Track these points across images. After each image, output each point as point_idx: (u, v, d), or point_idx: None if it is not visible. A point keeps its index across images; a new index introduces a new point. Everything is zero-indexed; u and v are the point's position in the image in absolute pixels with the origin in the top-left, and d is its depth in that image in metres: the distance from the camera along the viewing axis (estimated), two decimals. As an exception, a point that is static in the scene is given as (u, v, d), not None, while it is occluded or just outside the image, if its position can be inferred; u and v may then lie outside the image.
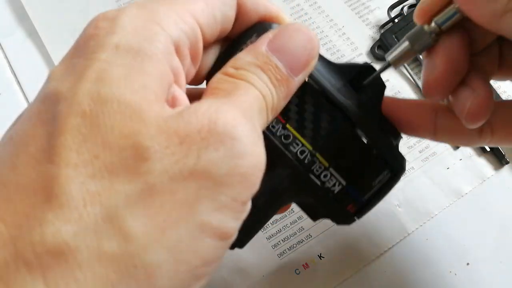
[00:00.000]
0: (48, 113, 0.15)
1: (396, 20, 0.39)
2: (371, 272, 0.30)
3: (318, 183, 0.22)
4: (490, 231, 0.32)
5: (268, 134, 0.21)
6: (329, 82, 0.21)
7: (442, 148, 0.35)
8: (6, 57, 0.38)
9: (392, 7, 0.41)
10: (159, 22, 0.16)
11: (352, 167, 0.22)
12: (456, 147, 0.35)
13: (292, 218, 0.32)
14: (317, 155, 0.21)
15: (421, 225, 0.32)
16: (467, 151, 0.35)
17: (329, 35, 0.40)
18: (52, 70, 0.16)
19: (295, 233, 0.31)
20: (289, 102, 0.19)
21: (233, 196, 0.15)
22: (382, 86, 0.22)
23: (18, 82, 0.36)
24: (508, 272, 0.31)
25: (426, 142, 0.35)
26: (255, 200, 0.21)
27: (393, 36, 0.38)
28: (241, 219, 0.16)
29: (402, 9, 0.40)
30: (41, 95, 0.16)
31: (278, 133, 0.21)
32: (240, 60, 0.18)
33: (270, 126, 0.21)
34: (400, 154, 0.22)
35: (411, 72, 0.38)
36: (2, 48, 0.38)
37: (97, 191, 0.13)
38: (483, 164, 0.35)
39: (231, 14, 0.19)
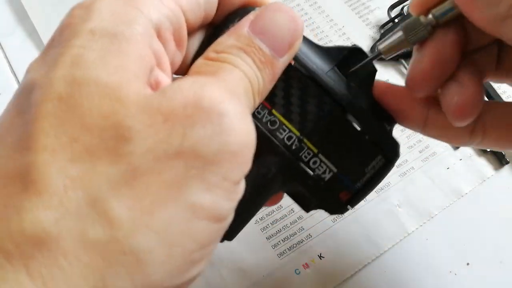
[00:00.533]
0: (24, 102, 0.14)
1: (396, 20, 0.39)
2: (371, 272, 0.30)
3: (307, 170, 0.21)
4: (490, 231, 0.32)
5: (254, 120, 0.20)
6: (316, 65, 0.20)
7: (442, 148, 0.35)
8: (6, 57, 0.38)
9: (392, 7, 0.41)
10: (138, 7, 0.16)
11: (342, 153, 0.21)
12: (456, 147, 0.35)
13: (292, 218, 0.32)
14: (305, 140, 0.20)
15: (421, 225, 0.32)
16: (467, 151, 0.35)
17: (329, 35, 0.40)
18: (30, 63, 0.16)
19: (295, 233, 0.31)
20: (275, 87, 0.19)
21: (224, 175, 0.14)
22: (373, 71, 0.22)
23: (18, 82, 0.37)
24: (508, 272, 0.31)
25: (426, 142, 0.35)
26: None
27: (393, 36, 0.38)
28: (235, 200, 0.16)
29: (402, 9, 0.40)
30: (19, 88, 0.15)
31: (264, 119, 0.21)
32: (222, 44, 0.17)
33: (256, 112, 0.21)
34: (393, 139, 0.22)
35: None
36: (2, 48, 0.38)
37: (78, 175, 0.13)
38: (483, 164, 0.35)
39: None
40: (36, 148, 0.13)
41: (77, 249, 0.12)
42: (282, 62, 0.18)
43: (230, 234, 0.22)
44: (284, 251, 0.31)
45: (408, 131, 0.35)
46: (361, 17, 0.41)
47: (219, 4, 0.20)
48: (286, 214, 0.32)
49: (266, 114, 0.21)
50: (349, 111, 0.20)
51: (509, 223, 0.32)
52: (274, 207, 0.32)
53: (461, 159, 0.35)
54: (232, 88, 0.16)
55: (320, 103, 0.20)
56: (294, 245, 0.31)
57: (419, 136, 0.35)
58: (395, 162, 0.22)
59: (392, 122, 0.22)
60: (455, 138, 0.22)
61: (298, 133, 0.20)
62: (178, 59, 0.18)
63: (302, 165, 0.21)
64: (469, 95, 0.20)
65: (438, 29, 0.20)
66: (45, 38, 0.37)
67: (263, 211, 0.32)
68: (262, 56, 0.17)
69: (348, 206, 0.22)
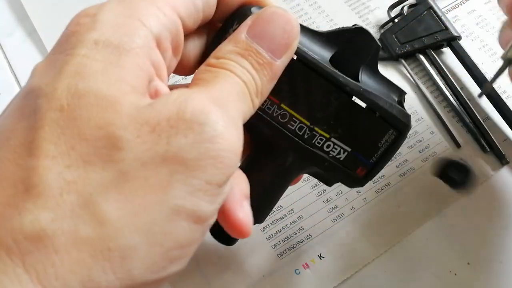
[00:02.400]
0: (29, 108, 0.15)
1: (396, 20, 0.39)
2: (372, 272, 0.30)
3: (322, 154, 0.22)
4: (491, 231, 0.32)
5: (265, 116, 0.22)
6: (317, 55, 0.21)
7: (442, 148, 0.35)
8: (6, 57, 0.38)
9: (392, 7, 0.40)
10: (140, 18, 0.17)
11: (354, 133, 0.22)
12: (456, 147, 0.35)
13: (292, 218, 0.32)
14: (316, 128, 0.22)
15: (421, 225, 0.32)
16: (467, 151, 0.35)
17: (329, 35, 0.40)
18: (35, 66, 0.17)
19: (295, 233, 0.31)
20: (280, 82, 0.20)
21: (206, 179, 0.15)
22: (377, 47, 0.22)
23: (18, 82, 0.36)
24: (508, 272, 0.31)
25: (426, 142, 0.35)
26: (262, 180, 0.23)
27: (393, 36, 0.38)
28: (218, 202, 0.16)
29: (402, 9, 0.40)
30: (24, 91, 0.16)
31: (274, 114, 0.22)
32: (221, 50, 0.18)
33: (266, 108, 0.22)
34: (403, 111, 0.22)
35: (418, 82, 0.38)
36: (2, 48, 0.38)
37: (73, 179, 0.14)
38: (483, 164, 0.35)
39: (212, 1, 0.20)
40: (38, 154, 0.14)
41: (68, 246, 0.14)
42: (281, 62, 0.19)
43: (259, 218, 0.26)
44: (284, 251, 0.31)
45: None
46: (361, 17, 0.41)
47: (218, 4, 0.20)
48: (286, 214, 0.32)
49: (275, 108, 0.22)
50: (355, 95, 0.21)
51: (509, 223, 0.32)
52: (274, 207, 0.32)
53: (461, 159, 0.35)
54: (220, 96, 0.17)
55: (324, 92, 0.21)
56: (294, 245, 0.31)
57: (419, 136, 0.35)
58: (407, 134, 0.23)
59: (402, 93, 0.23)
60: None
61: (308, 123, 0.22)
62: (174, 64, 0.19)
63: (316, 150, 0.22)
64: None
65: None
66: (45, 38, 0.37)
67: (263, 211, 0.32)
68: (260, 58, 0.18)
69: (366, 180, 0.23)
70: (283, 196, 0.32)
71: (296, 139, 0.22)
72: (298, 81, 0.21)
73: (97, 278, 0.14)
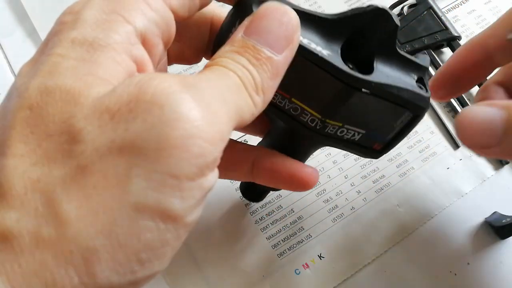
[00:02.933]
0: (5, 108, 0.15)
1: (396, 20, 0.39)
2: (372, 272, 0.30)
3: (336, 138, 0.22)
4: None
5: (277, 110, 0.22)
6: (326, 47, 0.20)
7: (442, 148, 0.35)
8: (6, 57, 0.38)
9: (392, 7, 0.40)
10: (123, 14, 0.16)
11: (367, 119, 0.22)
12: (456, 147, 0.35)
13: (292, 218, 0.32)
14: (327, 120, 0.21)
15: (421, 225, 0.32)
16: (467, 151, 0.35)
17: (329, 35, 0.40)
18: (20, 67, 0.17)
19: (295, 233, 0.31)
20: (289, 77, 0.19)
21: (169, 171, 0.14)
22: (395, 27, 0.20)
23: (18, 82, 0.36)
24: (508, 272, 0.31)
25: (426, 142, 0.35)
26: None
27: (393, 36, 0.38)
28: (195, 198, 0.15)
29: (402, 9, 0.40)
30: (7, 92, 0.16)
31: (286, 107, 0.22)
32: (219, 52, 0.18)
33: (277, 102, 0.22)
34: (419, 94, 0.21)
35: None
36: (2, 48, 0.38)
37: (37, 178, 0.14)
38: (483, 164, 0.35)
39: None
40: (8, 154, 0.14)
41: (32, 247, 0.13)
42: (283, 58, 0.18)
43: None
44: (284, 251, 0.31)
45: (408, 131, 0.35)
46: (361, 17, 0.41)
47: None
48: (286, 214, 0.32)
49: (287, 102, 0.21)
50: (364, 87, 0.20)
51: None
52: (274, 207, 0.32)
53: (461, 159, 0.35)
54: (196, 82, 0.15)
55: (333, 88, 0.20)
56: (294, 245, 0.31)
57: (419, 136, 0.35)
58: (423, 115, 0.22)
59: (422, 68, 0.22)
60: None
61: (319, 116, 0.21)
62: (164, 57, 0.19)
63: (331, 137, 0.22)
64: None
65: None
66: (45, 38, 0.37)
67: (263, 211, 0.32)
68: (257, 54, 0.17)
69: (382, 154, 0.24)
70: (283, 196, 0.32)
71: (310, 130, 0.22)
72: (306, 77, 0.20)
73: (61, 282, 0.13)
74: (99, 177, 0.14)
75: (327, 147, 0.34)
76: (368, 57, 0.20)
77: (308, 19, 0.19)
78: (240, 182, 0.31)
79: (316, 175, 0.24)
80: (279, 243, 0.31)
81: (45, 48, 0.16)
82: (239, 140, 0.34)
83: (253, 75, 0.17)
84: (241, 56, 0.17)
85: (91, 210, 0.14)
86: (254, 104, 0.17)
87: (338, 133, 0.22)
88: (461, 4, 0.42)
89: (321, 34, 0.20)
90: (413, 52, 0.38)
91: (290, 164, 0.24)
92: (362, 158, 0.34)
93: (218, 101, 0.15)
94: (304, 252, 0.31)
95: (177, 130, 0.14)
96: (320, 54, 0.19)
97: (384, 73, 0.20)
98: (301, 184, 0.24)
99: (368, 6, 0.19)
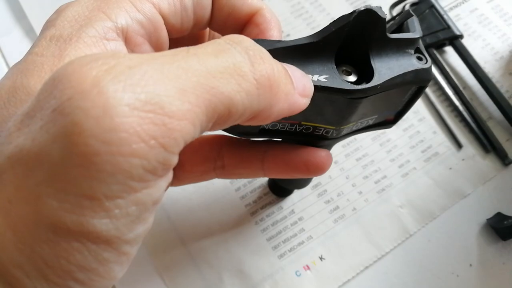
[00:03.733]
0: None
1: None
2: (373, 273, 0.30)
3: (352, 132, 0.23)
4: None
5: (289, 135, 0.22)
6: (322, 71, 0.19)
7: (444, 148, 0.35)
8: (3, 56, 0.37)
9: (394, 6, 0.40)
10: (105, 11, 0.17)
11: (377, 107, 0.22)
12: (459, 147, 0.35)
13: (292, 219, 0.31)
14: (341, 127, 0.22)
15: (423, 226, 0.32)
16: (470, 152, 0.35)
17: (330, 33, 0.40)
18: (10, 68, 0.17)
19: (295, 235, 0.31)
20: None
21: (81, 192, 0.12)
22: (384, 21, 0.19)
23: (16, 82, 0.36)
24: (510, 273, 0.31)
25: (428, 142, 0.35)
26: None
27: (395, 34, 0.38)
28: (129, 215, 0.13)
29: (403, 7, 0.40)
30: None
31: (298, 130, 0.22)
32: None
33: (287, 129, 0.22)
34: (420, 71, 0.21)
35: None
36: (-1, 47, 0.38)
37: None
38: (486, 165, 0.34)
39: (206, 2, 0.19)
40: None
41: None
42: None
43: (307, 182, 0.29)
44: (285, 253, 0.30)
45: (411, 131, 0.35)
46: (362, 16, 0.41)
47: (213, 8, 0.20)
48: (287, 215, 0.32)
49: (297, 127, 0.22)
50: (370, 93, 0.20)
51: None
52: (274, 209, 0.32)
53: (463, 160, 0.34)
54: (142, 61, 0.13)
55: (340, 104, 0.20)
56: (295, 247, 0.31)
57: (421, 136, 0.35)
58: (427, 84, 0.22)
59: (416, 41, 0.21)
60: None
61: (333, 127, 0.22)
62: None
63: (347, 135, 0.23)
64: None
65: None
66: (43, 37, 0.37)
67: (263, 212, 0.31)
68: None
69: (394, 123, 0.25)
70: (283, 197, 0.32)
71: (326, 140, 0.22)
72: (311, 104, 0.19)
73: None
74: (12, 189, 0.12)
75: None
76: (366, 55, 0.20)
77: (296, 49, 0.19)
78: (267, 178, 0.31)
79: (330, 157, 0.23)
80: (279, 244, 0.31)
81: (31, 47, 0.17)
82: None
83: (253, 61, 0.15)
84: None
85: (8, 225, 0.12)
86: (248, 94, 0.15)
87: (354, 128, 0.23)
88: (463, 3, 0.41)
89: (312, 59, 0.19)
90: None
91: (302, 151, 0.23)
92: (363, 158, 0.34)
93: (182, 88, 0.13)
94: (305, 254, 0.30)
95: (84, 146, 0.11)
96: (319, 84, 0.19)
97: (384, 67, 0.20)
98: (316, 169, 0.23)
99: (351, 14, 0.19)
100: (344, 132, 0.22)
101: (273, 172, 0.24)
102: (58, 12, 0.17)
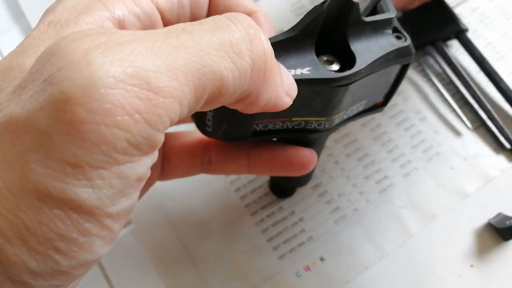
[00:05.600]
0: None
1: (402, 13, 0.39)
2: (374, 274, 0.30)
3: (344, 121, 0.24)
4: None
5: (282, 133, 0.22)
6: (304, 64, 0.19)
7: (446, 148, 0.34)
8: (2, 54, 0.37)
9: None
10: (104, 1, 0.17)
11: (365, 92, 0.22)
12: (460, 147, 0.35)
13: (293, 219, 0.31)
14: (332, 117, 0.22)
15: (424, 226, 0.32)
16: (471, 151, 0.34)
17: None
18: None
19: (296, 235, 0.31)
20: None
21: (65, 159, 0.12)
22: (356, 6, 0.20)
23: (14, 81, 0.36)
24: (513, 274, 0.30)
25: (430, 142, 0.35)
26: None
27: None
28: (111, 187, 0.13)
29: (405, 6, 0.40)
30: None
31: (290, 126, 0.22)
32: None
33: (279, 127, 0.22)
34: (400, 50, 0.21)
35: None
36: (-2, 46, 0.38)
37: None
38: (488, 164, 0.34)
39: (203, 0, 0.20)
40: None
41: None
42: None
43: (305, 182, 0.29)
44: (285, 254, 0.30)
45: (412, 131, 0.35)
46: (363, 15, 0.41)
47: (209, 7, 0.20)
48: (287, 216, 0.31)
49: (288, 123, 0.22)
50: (356, 79, 0.20)
51: None
52: (274, 209, 0.31)
53: (465, 159, 0.34)
54: (129, 39, 0.13)
55: (328, 94, 0.20)
56: (295, 248, 0.30)
57: (422, 135, 0.35)
58: (411, 62, 0.22)
59: (391, 21, 0.21)
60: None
61: (324, 118, 0.22)
62: None
63: (339, 124, 0.23)
64: None
65: None
66: (42, 36, 0.37)
67: (263, 212, 0.31)
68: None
69: (384, 106, 0.25)
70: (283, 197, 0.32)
71: (320, 132, 0.23)
72: (299, 98, 0.19)
73: None
74: (0, 155, 0.12)
75: (329, 149, 0.34)
76: (343, 40, 0.20)
77: (276, 46, 0.19)
78: (268, 179, 0.32)
79: (313, 156, 0.25)
80: (279, 245, 0.30)
81: (30, 32, 0.17)
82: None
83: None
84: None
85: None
86: (242, 74, 0.15)
87: (345, 117, 0.23)
88: (465, 2, 0.41)
89: (293, 54, 0.19)
90: (422, 45, 0.37)
91: (286, 150, 0.24)
92: (364, 158, 0.34)
93: (171, 65, 0.13)
94: (305, 255, 0.30)
95: (70, 114, 0.12)
96: (303, 77, 0.19)
97: (365, 50, 0.20)
98: (300, 167, 0.24)
99: (323, 3, 0.19)
100: (336, 121, 0.22)
101: (258, 169, 0.25)
102: (58, 1, 0.18)
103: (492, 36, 0.39)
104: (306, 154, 0.24)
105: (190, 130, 0.26)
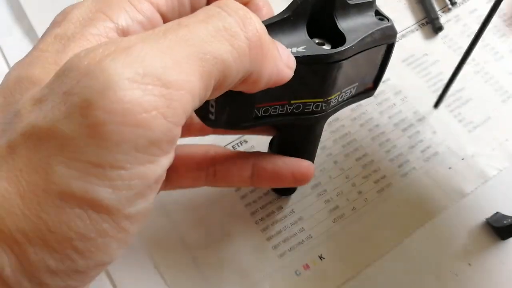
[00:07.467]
0: None
1: (397, 19, 0.39)
2: (373, 273, 0.30)
3: (339, 104, 0.25)
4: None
5: (281, 117, 0.23)
6: (299, 43, 0.21)
7: (444, 148, 0.35)
8: (4, 55, 0.37)
9: None
10: (106, 12, 0.18)
11: (355, 72, 0.23)
12: (458, 147, 0.35)
13: (292, 218, 0.32)
14: (329, 98, 0.23)
15: (422, 225, 0.32)
16: (469, 150, 0.35)
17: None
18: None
19: (295, 234, 0.31)
20: (280, 87, 0.20)
21: (89, 160, 0.13)
22: None
23: (16, 81, 0.36)
24: (509, 273, 0.31)
25: (428, 142, 0.35)
26: (297, 142, 0.26)
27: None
28: (130, 189, 0.14)
29: (403, 7, 0.40)
30: None
31: (289, 110, 0.23)
32: None
33: (279, 112, 0.23)
34: (384, 29, 0.23)
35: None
36: (0, 47, 0.38)
37: None
38: (486, 164, 0.34)
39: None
40: None
41: None
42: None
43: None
44: (285, 252, 0.30)
45: (410, 131, 0.35)
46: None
47: (208, 1, 0.21)
48: (287, 215, 0.32)
49: (287, 107, 0.23)
50: (349, 55, 0.21)
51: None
52: (274, 208, 0.32)
53: (463, 159, 0.34)
54: (136, 41, 0.14)
55: (323, 72, 0.22)
56: (295, 246, 0.31)
57: (421, 136, 0.35)
58: (395, 41, 0.24)
59: (373, 4, 0.23)
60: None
61: (321, 99, 0.23)
62: None
63: (334, 107, 0.24)
64: None
65: None
66: (43, 37, 0.37)
67: (263, 212, 0.32)
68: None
69: (375, 90, 0.26)
70: (283, 197, 0.32)
71: (318, 114, 0.23)
72: (296, 78, 0.20)
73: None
74: (24, 160, 0.13)
75: (328, 148, 0.34)
76: (331, 23, 0.22)
77: (271, 27, 0.20)
78: None
79: (312, 167, 0.26)
80: (279, 244, 0.31)
81: (36, 44, 0.18)
82: (239, 139, 0.34)
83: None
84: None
85: (17, 193, 0.13)
86: (241, 54, 0.16)
87: (339, 99, 0.24)
88: (462, 3, 0.41)
89: (287, 34, 0.21)
90: None
91: (289, 162, 0.25)
92: (363, 158, 0.34)
93: (176, 59, 0.14)
94: (304, 253, 0.30)
95: (97, 110, 0.13)
96: (299, 54, 0.20)
97: (352, 30, 0.22)
98: (303, 178, 0.25)
99: None
100: (332, 103, 0.24)
101: (262, 182, 0.26)
102: (64, 13, 0.18)
103: (490, 38, 0.40)
104: (307, 165, 0.26)
105: (197, 144, 0.27)
